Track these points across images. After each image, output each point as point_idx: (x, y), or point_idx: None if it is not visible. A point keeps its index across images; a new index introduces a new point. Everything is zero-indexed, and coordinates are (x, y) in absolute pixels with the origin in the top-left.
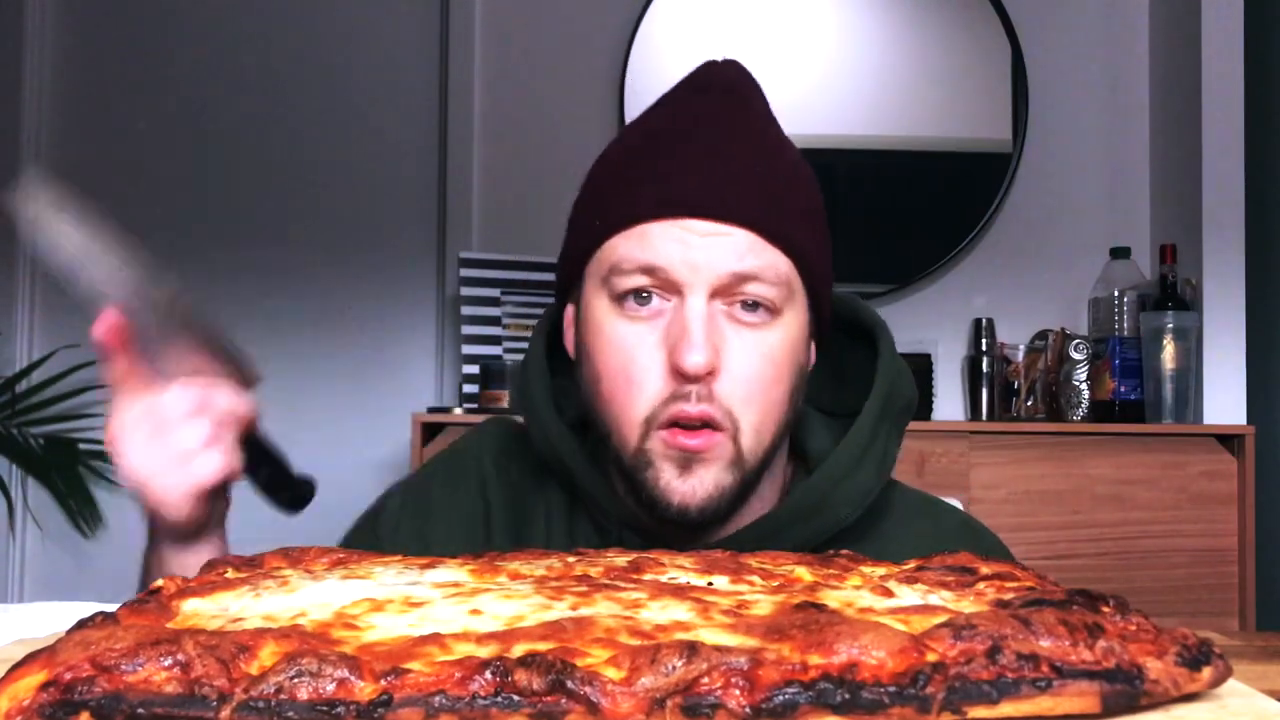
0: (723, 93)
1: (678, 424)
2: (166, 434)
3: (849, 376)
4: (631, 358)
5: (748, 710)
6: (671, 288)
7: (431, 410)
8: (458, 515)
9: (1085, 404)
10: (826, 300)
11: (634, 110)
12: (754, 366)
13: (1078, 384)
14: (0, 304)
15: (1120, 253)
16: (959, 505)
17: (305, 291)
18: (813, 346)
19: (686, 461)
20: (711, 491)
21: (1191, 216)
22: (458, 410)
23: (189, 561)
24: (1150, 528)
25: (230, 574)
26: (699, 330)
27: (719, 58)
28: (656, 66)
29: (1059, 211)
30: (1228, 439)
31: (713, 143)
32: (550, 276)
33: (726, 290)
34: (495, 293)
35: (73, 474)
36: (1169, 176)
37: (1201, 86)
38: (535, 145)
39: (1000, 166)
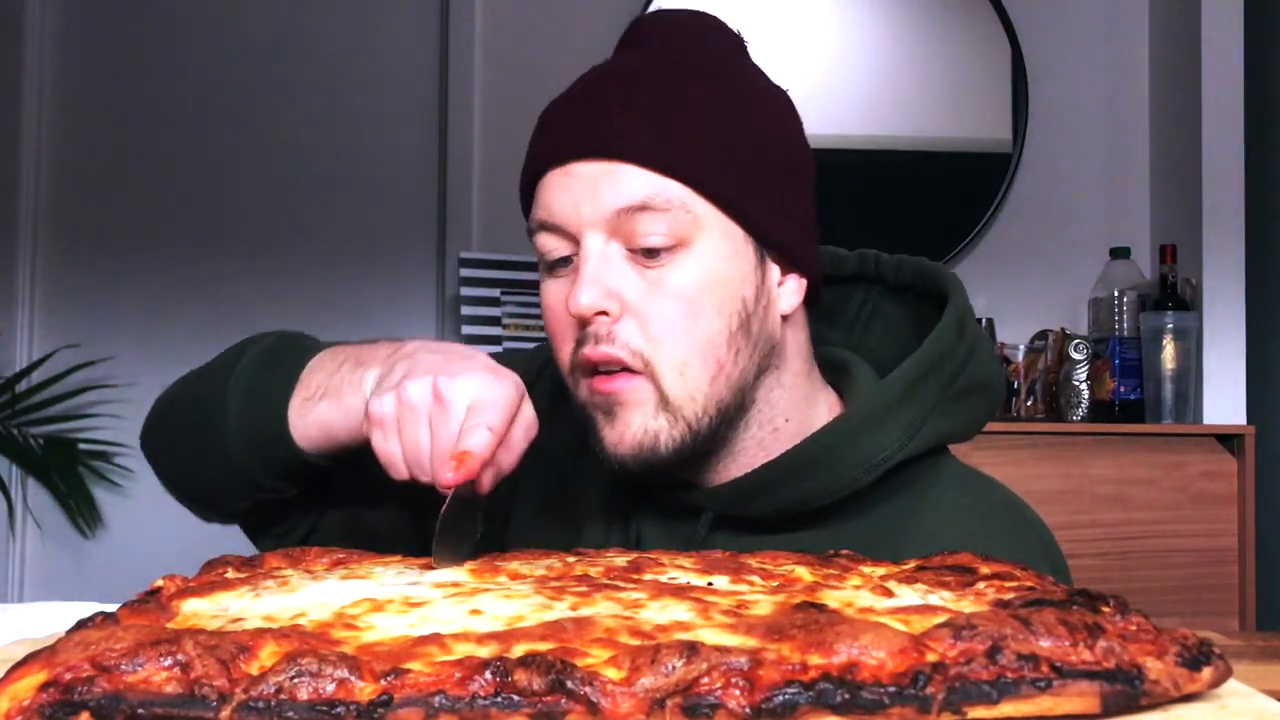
0: (639, 41)
1: (597, 370)
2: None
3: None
4: (553, 313)
5: (748, 710)
6: (572, 239)
7: None
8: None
9: (1085, 404)
10: (789, 233)
11: None
12: (660, 304)
13: (1078, 384)
14: (0, 304)
15: (1120, 253)
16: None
17: (305, 291)
18: (794, 285)
19: (609, 407)
20: (640, 437)
21: (1191, 216)
22: None
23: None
24: (1150, 528)
25: (230, 574)
26: (586, 271)
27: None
28: None
29: (1059, 211)
30: (1228, 439)
31: (602, 88)
32: None
33: (622, 232)
34: (495, 293)
35: (73, 474)
36: (1169, 176)
37: (1201, 86)
38: None
39: (1000, 166)
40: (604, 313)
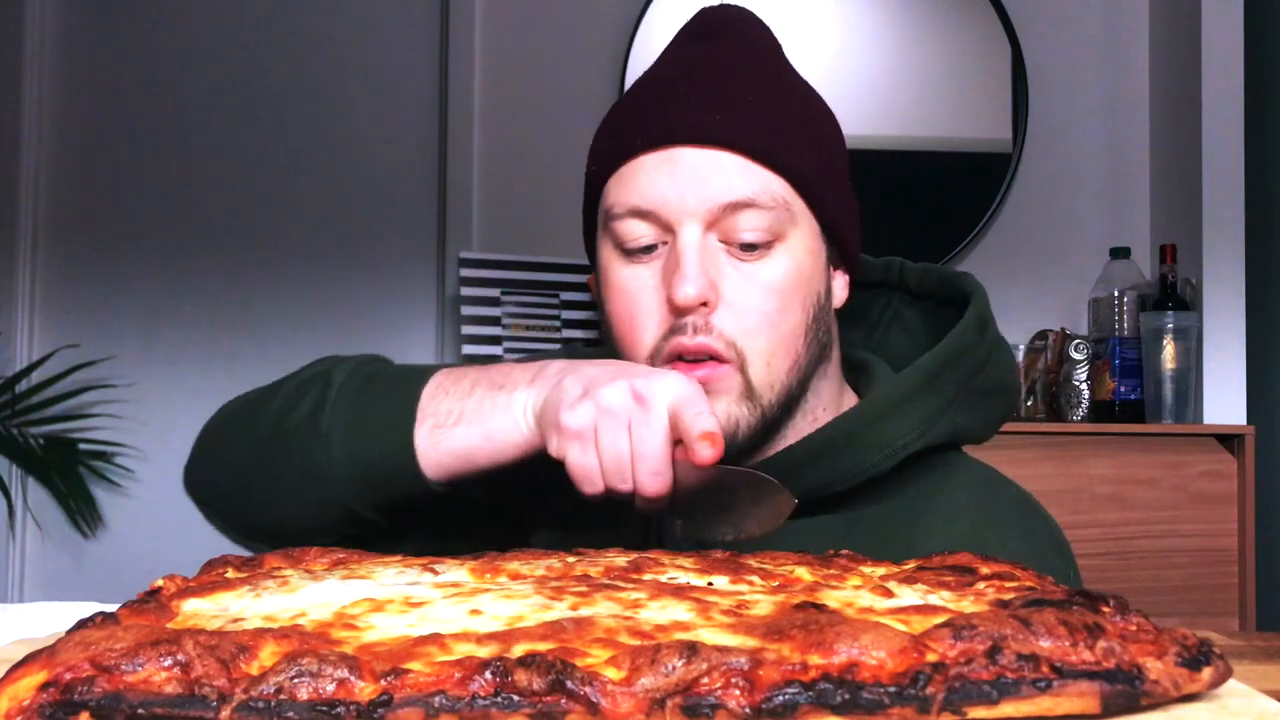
0: (715, 32)
1: (681, 358)
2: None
3: None
4: (634, 300)
5: (748, 710)
6: (665, 227)
7: None
8: None
9: (1085, 404)
10: (848, 231)
11: None
12: (756, 297)
13: (1078, 384)
14: (0, 304)
15: (1120, 253)
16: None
17: (305, 291)
18: (841, 281)
19: None
20: (724, 425)
21: (1191, 216)
22: None
23: None
24: (1150, 528)
25: (230, 574)
26: (690, 261)
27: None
28: None
29: (1059, 211)
30: (1228, 439)
31: (701, 75)
32: (550, 276)
33: (721, 225)
34: (495, 293)
35: (73, 474)
36: (1169, 176)
37: (1201, 86)
38: (535, 146)
39: (1000, 166)
40: (705, 303)
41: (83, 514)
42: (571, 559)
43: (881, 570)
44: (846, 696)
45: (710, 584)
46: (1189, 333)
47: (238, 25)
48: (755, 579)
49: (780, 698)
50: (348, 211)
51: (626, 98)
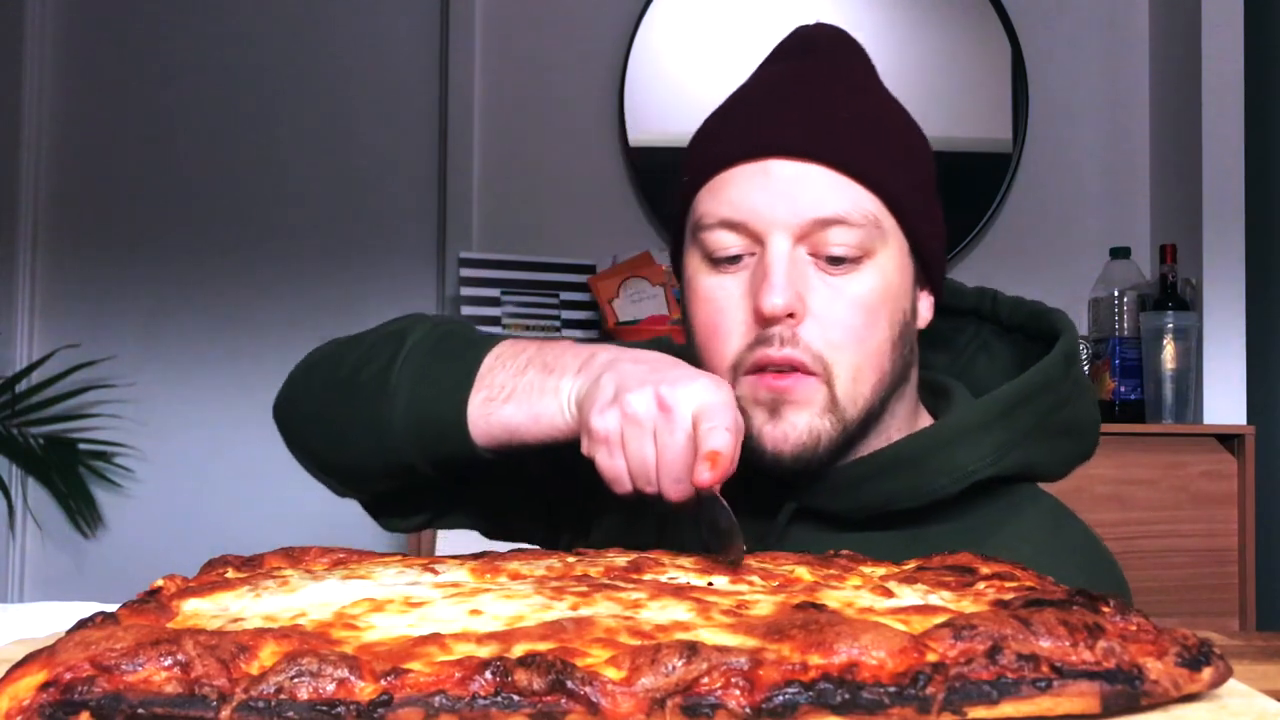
0: (810, 49)
1: (765, 369)
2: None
3: None
4: (719, 308)
5: (748, 710)
6: (755, 239)
7: None
8: None
9: None
10: (935, 253)
11: (634, 110)
12: (843, 312)
13: None
14: (0, 304)
15: (1120, 253)
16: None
17: (305, 291)
18: (926, 302)
19: (776, 405)
20: (805, 438)
21: (1191, 216)
22: None
23: None
24: (1150, 528)
25: (230, 574)
26: (778, 273)
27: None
28: (656, 67)
29: (1059, 211)
30: (1228, 439)
31: (793, 90)
32: (550, 276)
33: (811, 238)
34: (495, 293)
35: (73, 474)
36: (1169, 176)
37: (1201, 86)
38: (535, 145)
39: (1000, 166)
40: (791, 315)
41: (83, 514)
42: (572, 559)
43: (881, 570)
44: (846, 696)
45: (710, 584)
46: (1189, 333)
47: (238, 26)
48: (755, 579)
49: (780, 698)
50: (348, 211)
51: (721, 111)
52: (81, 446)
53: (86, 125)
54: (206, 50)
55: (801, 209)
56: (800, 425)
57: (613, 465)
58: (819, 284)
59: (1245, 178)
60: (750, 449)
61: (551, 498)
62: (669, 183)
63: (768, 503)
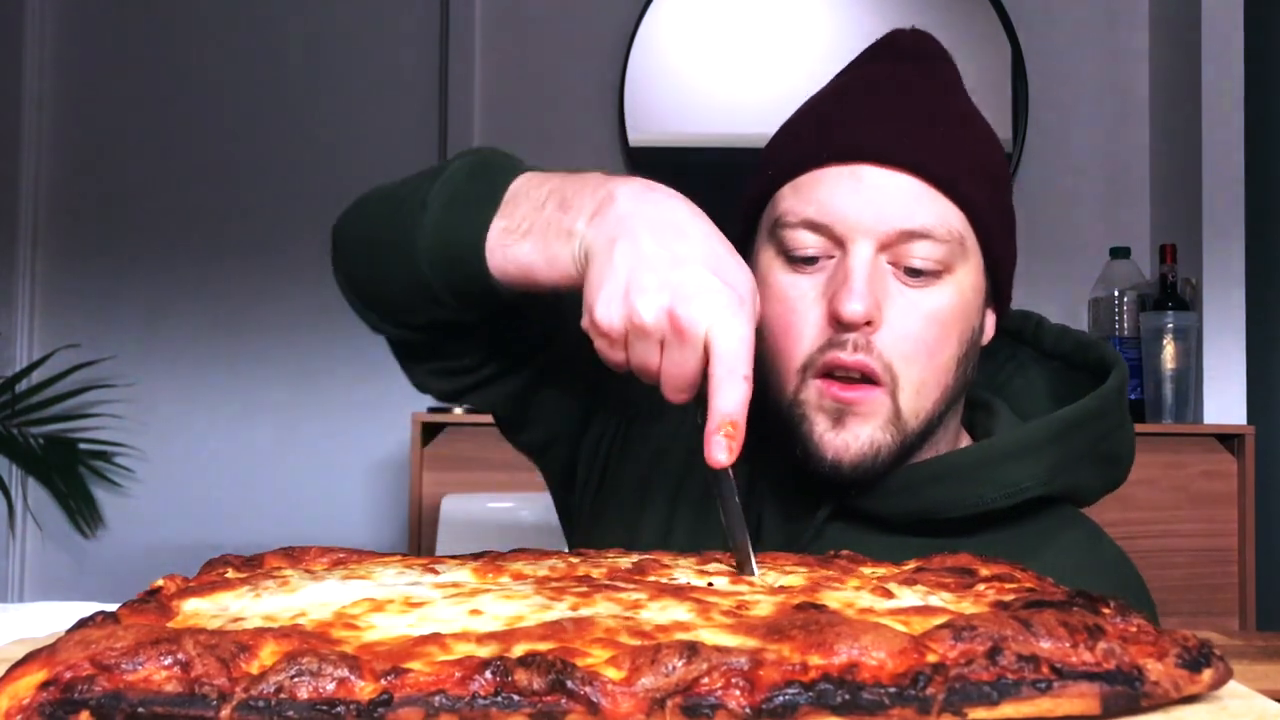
0: (904, 56)
1: (833, 375)
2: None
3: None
4: (793, 307)
5: (748, 711)
6: (837, 242)
7: (431, 410)
8: None
9: None
10: (1005, 272)
11: (634, 110)
12: (917, 324)
13: None
14: (0, 304)
15: (1120, 253)
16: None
17: (306, 291)
18: (990, 319)
19: (840, 414)
20: (866, 449)
21: (1191, 216)
22: (458, 410)
23: None
24: (1150, 528)
25: (230, 574)
26: (860, 279)
27: (907, 27)
28: (656, 67)
29: (1059, 211)
30: (1228, 439)
31: (888, 96)
32: None
33: (894, 249)
34: None
35: (73, 474)
36: (1169, 176)
37: (1201, 86)
38: (535, 145)
39: None
40: (869, 322)
41: (83, 514)
42: (574, 559)
43: (881, 571)
44: (847, 697)
45: (710, 584)
46: (1189, 333)
47: (238, 25)
48: (755, 579)
49: (780, 698)
50: None
51: (808, 108)
52: (82, 446)
53: (86, 125)
54: (207, 51)
55: (889, 218)
56: (863, 437)
57: (612, 356)
58: (897, 294)
59: (1245, 177)
60: (809, 455)
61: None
62: (670, 182)
63: (809, 498)
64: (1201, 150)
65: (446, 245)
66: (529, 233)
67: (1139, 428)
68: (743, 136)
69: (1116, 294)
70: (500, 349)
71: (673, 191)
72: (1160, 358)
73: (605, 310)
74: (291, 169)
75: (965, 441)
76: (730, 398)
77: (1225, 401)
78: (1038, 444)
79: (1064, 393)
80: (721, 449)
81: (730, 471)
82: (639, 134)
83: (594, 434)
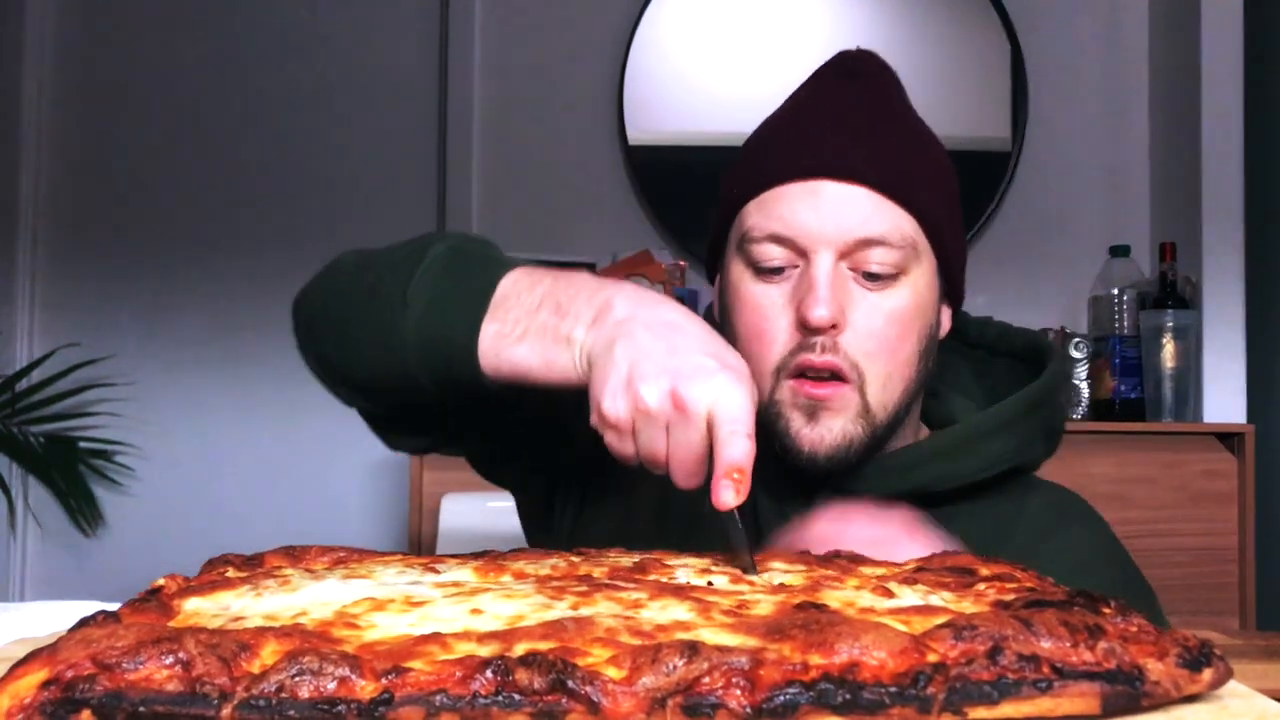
0: (854, 75)
1: (805, 375)
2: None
3: (1002, 398)
4: (764, 315)
5: (748, 710)
6: (800, 253)
7: None
8: None
9: (1085, 403)
10: (958, 270)
11: (633, 110)
12: (879, 324)
13: (1078, 383)
14: (0, 303)
15: (1120, 251)
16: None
17: None
18: (946, 314)
19: (813, 410)
20: (839, 441)
21: (1191, 215)
22: None
23: None
24: (1150, 527)
25: (231, 573)
26: (824, 286)
27: (853, 48)
28: (656, 67)
29: (1059, 210)
30: (1227, 438)
31: (844, 115)
32: None
33: (853, 256)
34: None
35: (73, 473)
36: (1169, 175)
37: (1201, 85)
38: (535, 145)
39: (1000, 166)
40: (834, 325)
41: (83, 513)
42: (575, 558)
43: (881, 570)
44: (847, 696)
45: (710, 584)
46: (1189, 331)
47: (237, 25)
48: (756, 579)
49: (781, 697)
50: (347, 211)
51: (769, 127)
52: (82, 445)
53: (86, 125)
54: (207, 51)
55: (847, 228)
56: (835, 429)
57: (622, 448)
58: (858, 298)
59: (1245, 176)
60: (787, 449)
61: (560, 446)
62: (669, 181)
63: (804, 489)
64: (1201, 149)
65: (434, 344)
66: (524, 337)
67: (1139, 426)
68: (742, 135)
69: (1116, 292)
70: (477, 419)
71: (665, 296)
72: (1160, 356)
73: (611, 403)
74: (292, 169)
75: (924, 428)
76: (735, 449)
77: (1225, 400)
78: (1012, 420)
79: (989, 378)
80: (728, 489)
81: (735, 512)
82: (638, 132)
83: (570, 465)
